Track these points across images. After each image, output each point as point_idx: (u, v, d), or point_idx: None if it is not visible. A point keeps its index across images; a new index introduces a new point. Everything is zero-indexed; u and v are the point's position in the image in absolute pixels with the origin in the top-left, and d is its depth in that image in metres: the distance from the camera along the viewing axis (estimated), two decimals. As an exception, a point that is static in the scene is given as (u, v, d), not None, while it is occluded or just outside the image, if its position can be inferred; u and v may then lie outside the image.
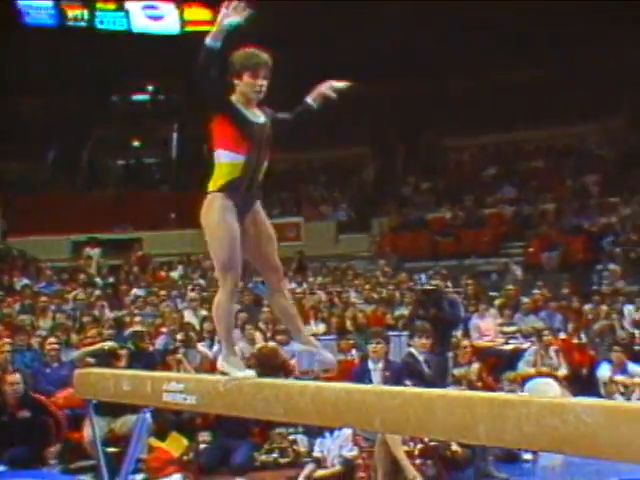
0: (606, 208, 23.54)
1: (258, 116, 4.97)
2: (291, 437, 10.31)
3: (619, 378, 12.45)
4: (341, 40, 27.69)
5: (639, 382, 12.51)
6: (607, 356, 13.01)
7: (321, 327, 15.12)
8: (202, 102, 4.91)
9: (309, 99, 5.27)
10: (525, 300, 16.58)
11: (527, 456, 10.12)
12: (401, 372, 9.47)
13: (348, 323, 15.08)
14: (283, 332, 13.37)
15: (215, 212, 4.88)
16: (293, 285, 19.88)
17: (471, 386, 10.52)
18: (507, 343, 14.74)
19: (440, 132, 29.64)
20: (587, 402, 3.13)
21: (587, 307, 16.30)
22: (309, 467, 9.49)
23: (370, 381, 9.30)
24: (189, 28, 31.03)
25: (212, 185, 4.95)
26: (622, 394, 12.36)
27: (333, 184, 29.81)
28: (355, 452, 9.34)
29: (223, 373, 4.92)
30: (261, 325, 14.36)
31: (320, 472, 9.43)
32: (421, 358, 9.71)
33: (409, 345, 10.39)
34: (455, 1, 26.50)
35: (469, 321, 14.91)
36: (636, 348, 14.48)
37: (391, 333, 12.18)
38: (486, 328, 14.92)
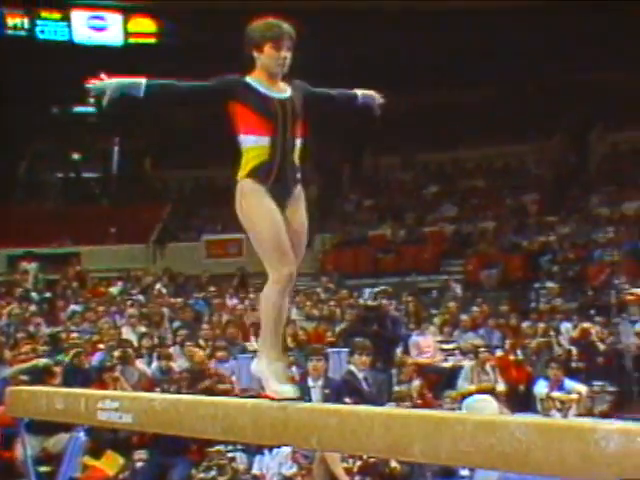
0: (544, 227, 23.81)
1: (282, 91, 4.50)
2: (230, 455, 10.20)
3: (556, 394, 12.57)
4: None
5: (575, 398, 12.66)
6: (544, 373, 13.13)
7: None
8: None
9: (359, 92, 4.89)
10: (464, 317, 16.69)
11: (464, 472, 10.15)
12: (341, 390, 9.49)
13: (289, 340, 15.05)
14: (223, 349, 13.38)
15: (248, 199, 4.43)
16: (235, 301, 19.83)
17: (413, 403, 10.58)
18: (446, 360, 14.84)
19: (383, 151, 29.77)
20: (520, 420, 3.16)
21: (525, 324, 16.42)
22: (248, 485, 9.50)
23: (310, 399, 9.30)
24: (132, 40, 30.77)
25: (241, 173, 4.48)
26: (559, 410, 12.48)
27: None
28: (294, 470, 9.35)
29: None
30: (201, 342, 14.27)
31: (259, 489, 9.44)
32: (360, 376, 9.75)
33: (349, 362, 10.43)
34: (400, 19, 26.73)
35: (409, 338, 14.98)
36: (573, 365, 14.69)
37: (331, 350, 12.22)
38: (426, 345, 14.97)
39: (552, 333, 15.60)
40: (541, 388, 12.81)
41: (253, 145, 4.41)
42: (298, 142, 4.52)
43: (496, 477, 10.01)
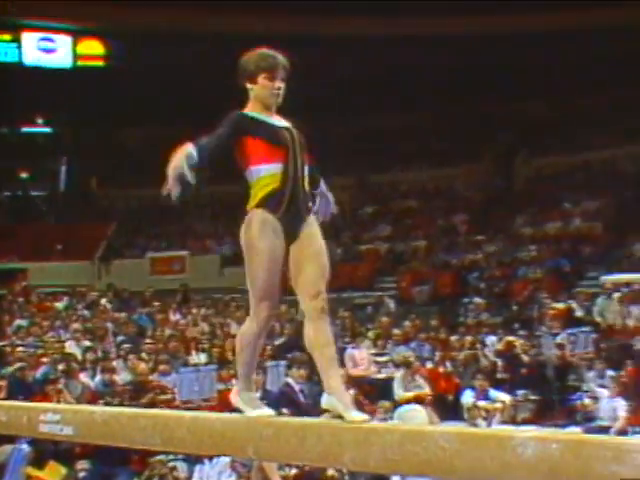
0: (472, 245, 24.05)
1: (280, 121, 4.25)
2: (171, 464, 10.13)
3: (481, 404, 12.72)
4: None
5: (500, 407, 12.81)
6: (471, 383, 13.28)
7: (202, 357, 15.00)
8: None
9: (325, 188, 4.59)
10: (397, 331, 16.79)
11: (395, 478, 10.20)
12: (278, 401, 9.49)
13: (229, 354, 15.00)
14: (165, 362, 13.29)
15: (254, 230, 4.13)
16: (177, 317, 19.72)
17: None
18: (380, 372, 14.91)
19: (322, 173, 29.78)
20: (444, 429, 3.20)
21: (453, 338, 16.57)
22: (188, 493, 9.46)
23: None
24: (81, 62, 30.48)
25: (250, 203, 4.18)
26: (484, 418, 12.62)
27: (218, 219, 29.69)
28: (233, 478, 9.34)
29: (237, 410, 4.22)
30: (144, 356, 14.16)
31: (199, 497, 9.40)
32: (297, 388, 9.78)
33: (287, 375, 10.43)
34: (336, 44, 26.86)
35: (345, 351, 15.02)
36: (498, 376, 14.84)
37: (269, 364, 12.19)
38: (360, 358, 15.03)
39: (479, 346, 15.77)
40: (468, 398, 12.94)
41: (265, 174, 4.10)
42: (307, 169, 4.26)
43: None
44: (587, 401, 13.13)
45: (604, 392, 12.65)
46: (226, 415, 4.14)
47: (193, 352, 15.06)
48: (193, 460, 9.77)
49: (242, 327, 4.29)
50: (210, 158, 4.01)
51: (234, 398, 4.24)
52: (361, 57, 27.41)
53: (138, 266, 26.53)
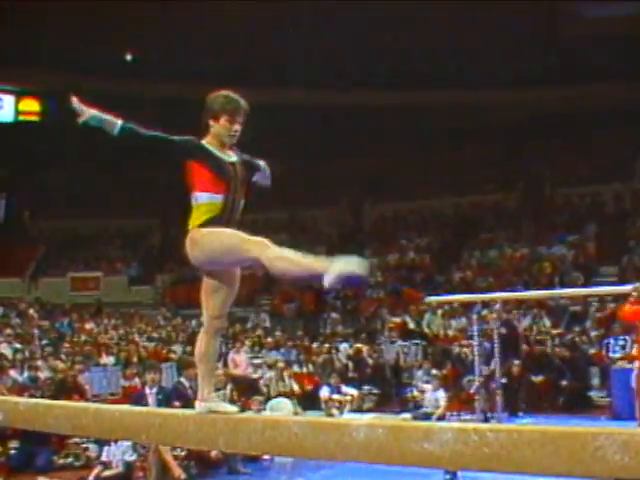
0: (331, 272, 24.19)
1: (230, 156, 3.86)
2: (83, 445, 10.11)
3: (335, 397, 12.81)
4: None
5: (350, 399, 12.94)
6: (327, 381, 13.36)
7: (111, 359, 14.70)
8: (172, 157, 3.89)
9: (262, 164, 4.16)
10: (269, 340, 16.78)
11: (266, 456, 10.19)
12: (171, 396, 9.37)
13: (133, 356, 14.75)
14: (81, 363, 13.00)
15: (202, 233, 3.74)
16: (92, 325, 19.31)
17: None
18: (255, 372, 14.86)
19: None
20: (297, 419, 3.23)
21: (314, 345, 16.65)
22: (98, 469, 9.32)
23: (147, 403, 9.13)
24: (21, 117, 29.66)
25: (192, 224, 3.77)
26: (337, 408, 12.71)
27: (127, 246, 29.24)
28: (135, 457, 9.21)
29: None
30: (63, 357, 13.81)
31: (106, 473, 9.25)
32: (187, 385, 9.66)
33: (180, 375, 10.33)
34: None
35: (227, 355, 14.96)
36: (349, 375, 14.98)
37: (165, 365, 12.05)
38: (240, 360, 14.97)
39: (334, 351, 15.89)
40: (325, 392, 13.03)
41: (207, 201, 3.72)
42: (242, 202, 3.91)
43: (290, 460, 10.12)
44: (416, 393, 13.36)
45: (429, 386, 12.92)
46: (125, 407, 4.09)
47: (104, 355, 14.75)
48: (102, 442, 9.58)
49: (198, 338, 3.85)
50: (137, 140, 3.79)
51: (203, 407, 3.68)
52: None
53: (61, 283, 25.94)
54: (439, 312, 17.79)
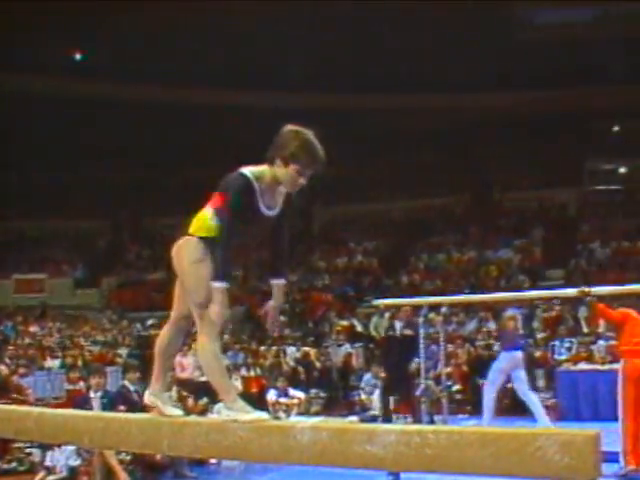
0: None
1: (272, 207, 3.40)
2: (27, 450, 9.95)
3: (282, 400, 12.80)
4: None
5: (297, 402, 12.94)
6: (274, 384, 13.35)
7: (56, 362, 14.51)
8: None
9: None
10: (217, 342, 16.68)
11: (213, 460, 10.14)
12: (116, 400, 9.27)
13: (78, 360, 14.58)
14: (25, 366, 12.80)
15: (194, 252, 3.42)
16: (36, 328, 19.05)
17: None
18: (202, 375, 14.76)
19: (160, 213, 29.33)
20: (242, 422, 3.22)
21: (262, 348, 16.63)
22: (41, 474, 9.20)
23: (91, 407, 9.02)
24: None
25: (192, 229, 3.48)
26: (285, 412, 12.71)
27: (73, 249, 28.89)
28: (79, 461, 9.11)
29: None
30: (7, 360, 13.60)
31: (50, 478, 9.14)
32: (132, 389, 9.56)
33: (124, 379, 10.23)
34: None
35: (174, 358, 14.83)
36: (296, 378, 14.98)
37: (110, 369, 11.93)
38: (187, 364, 14.87)
39: (281, 355, 15.89)
40: (272, 395, 13.01)
41: (215, 224, 3.36)
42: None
43: (237, 464, 10.09)
44: (363, 396, 13.41)
45: (376, 389, 12.98)
46: (67, 411, 4.03)
47: (48, 358, 14.56)
48: (46, 447, 9.45)
49: (198, 345, 3.48)
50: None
51: (225, 414, 3.33)
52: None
53: (5, 286, 25.55)
54: (386, 315, 17.88)
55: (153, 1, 23.89)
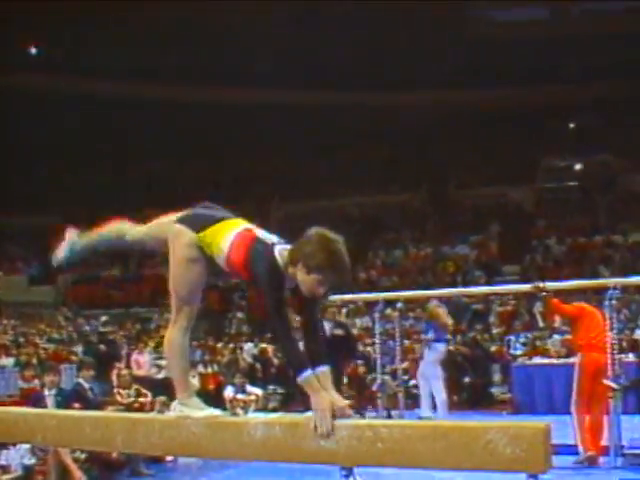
0: (236, 273, 24.15)
1: (292, 283, 3.23)
2: None
3: (240, 397, 12.76)
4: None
5: (254, 399, 12.91)
6: (232, 381, 13.31)
7: (10, 360, 14.31)
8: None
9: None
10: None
11: (169, 457, 10.08)
12: (70, 397, 9.20)
13: (33, 358, 14.39)
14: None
15: (191, 250, 3.39)
16: (-13, 325, 18.79)
17: (130, 407, 10.47)
18: (159, 373, 14.69)
19: (115, 209, 29.00)
20: (195, 418, 3.21)
21: (219, 345, 16.57)
22: (-5, 473, 9.06)
23: (45, 405, 8.92)
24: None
25: (200, 232, 3.40)
26: (242, 408, 12.68)
27: (29, 246, 28.48)
28: (34, 460, 9.01)
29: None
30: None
31: (5, 477, 9.01)
32: (87, 386, 9.49)
33: (78, 376, 10.14)
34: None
35: (131, 356, 14.77)
36: (254, 374, 14.97)
37: (64, 366, 11.82)
38: (144, 362, 14.79)
39: (239, 351, 15.85)
40: (229, 392, 12.96)
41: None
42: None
43: (194, 461, 10.05)
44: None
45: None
46: (20, 409, 3.99)
47: (2, 356, 14.35)
48: (0, 446, 9.32)
49: (166, 335, 3.50)
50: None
51: (178, 408, 3.35)
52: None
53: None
54: (343, 311, 17.94)
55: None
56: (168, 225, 3.56)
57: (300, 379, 2.97)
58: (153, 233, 3.72)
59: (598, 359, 8.00)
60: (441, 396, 10.61)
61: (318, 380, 2.96)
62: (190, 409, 3.26)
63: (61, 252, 3.93)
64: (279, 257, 3.19)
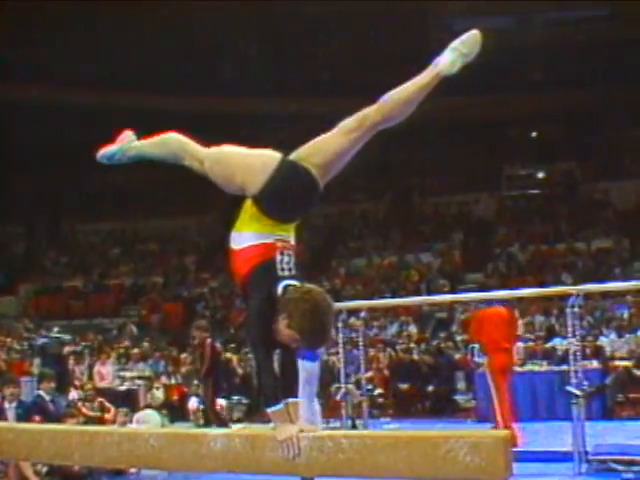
0: (200, 282, 24.03)
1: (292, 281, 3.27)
2: None
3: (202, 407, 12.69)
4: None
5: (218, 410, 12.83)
6: (196, 392, 13.21)
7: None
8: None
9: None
10: (136, 350, 16.50)
11: (132, 469, 9.98)
12: (31, 410, 9.09)
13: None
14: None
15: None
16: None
17: (91, 419, 10.42)
18: (122, 384, 14.57)
19: (78, 220, 28.77)
20: (154, 430, 3.21)
21: (183, 355, 16.46)
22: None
23: (6, 418, 8.80)
24: None
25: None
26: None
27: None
28: (-6, 473, 8.89)
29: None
30: None
31: (-37, 492, 8.88)
32: (48, 398, 9.39)
33: (39, 388, 10.02)
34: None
35: (94, 367, 14.64)
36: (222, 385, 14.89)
37: (23, 379, 11.67)
38: (106, 373, 14.67)
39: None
40: (193, 403, 12.89)
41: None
42: None
43: (157, 473, 9.97)
44: (285, 402, 13.36)
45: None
46: None
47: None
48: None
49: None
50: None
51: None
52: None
53: None
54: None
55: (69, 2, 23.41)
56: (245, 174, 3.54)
57: (270, 410, 3.01)
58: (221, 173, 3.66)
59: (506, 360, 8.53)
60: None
61: (287, 410, 2.99)
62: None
63: (109, 150, 3.84)
64: (280, 291, 3.15)
